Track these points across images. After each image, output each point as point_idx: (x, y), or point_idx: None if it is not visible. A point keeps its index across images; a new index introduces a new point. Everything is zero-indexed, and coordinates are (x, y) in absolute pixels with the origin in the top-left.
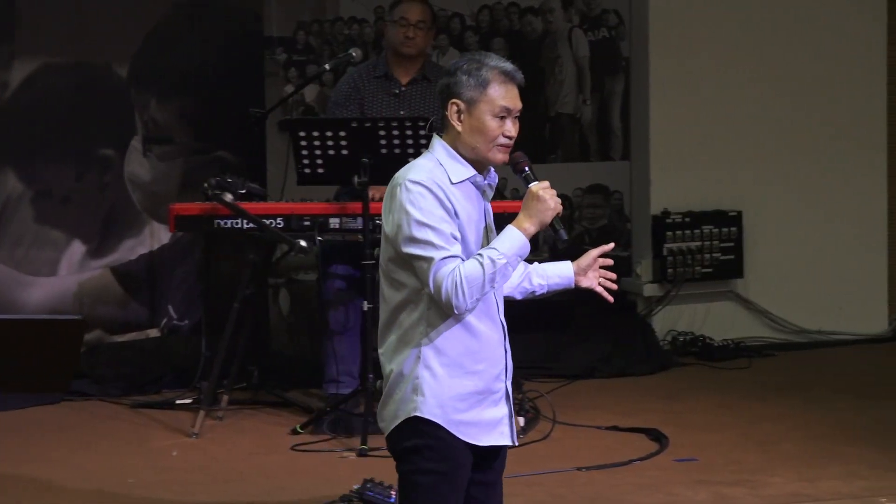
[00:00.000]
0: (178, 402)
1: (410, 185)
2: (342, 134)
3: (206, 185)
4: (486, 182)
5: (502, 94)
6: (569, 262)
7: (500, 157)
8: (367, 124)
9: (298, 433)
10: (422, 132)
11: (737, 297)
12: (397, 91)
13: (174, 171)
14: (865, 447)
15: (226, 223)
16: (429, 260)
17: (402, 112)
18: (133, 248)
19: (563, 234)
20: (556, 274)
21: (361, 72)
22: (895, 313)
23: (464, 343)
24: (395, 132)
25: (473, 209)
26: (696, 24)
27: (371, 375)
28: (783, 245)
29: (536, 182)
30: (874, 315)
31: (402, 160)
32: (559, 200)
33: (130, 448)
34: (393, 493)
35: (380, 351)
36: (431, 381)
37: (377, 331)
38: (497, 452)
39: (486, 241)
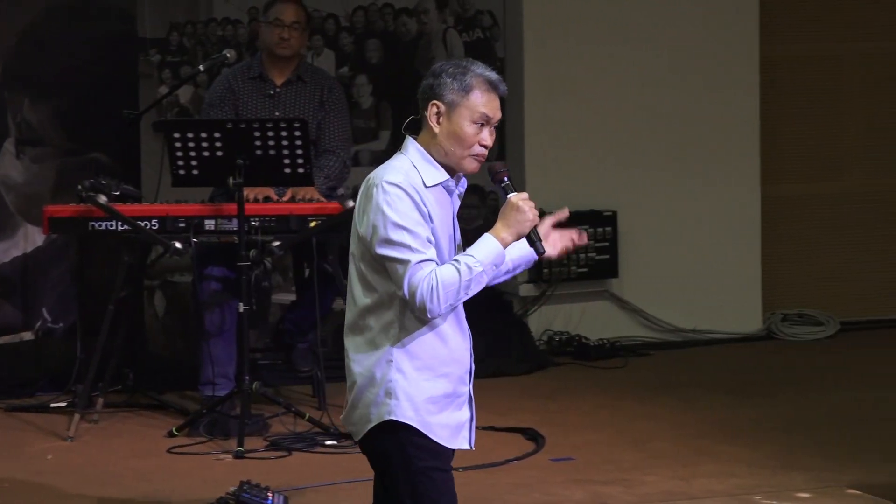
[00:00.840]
0: (52, 405)
1: (387, 187)
2: (217, 135)
3: (80, 186)
4: (457, 188)
5: (484, 102)
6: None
7: (473, 166)
8: (242, 125)
9: (175, 436)
10: (297, 133)
11: (612, 296)
12: (272, 92)
13: (48, 172)
14: (740, 445)
15: (100, 225)
16: (404, 263)
17: (276, 113)
18: (6, 251)
19: (541, 247)
20: (518, 255)
21: (236, 73)
22: (769, 312)
23: (434, 347)
24: (270, 133)
25: (445, 214)
26: (571, 25)
27: (247, 377)
28: (658, 245)
29: (516, 193)
30: (748, 314)
31: (277, 161)
32: (537, 213)
33: (4, 452)
34: (270, 494)
35: (350, 354)
36: (405, 383)
37: (253, 332)
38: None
39: (456, 246)
